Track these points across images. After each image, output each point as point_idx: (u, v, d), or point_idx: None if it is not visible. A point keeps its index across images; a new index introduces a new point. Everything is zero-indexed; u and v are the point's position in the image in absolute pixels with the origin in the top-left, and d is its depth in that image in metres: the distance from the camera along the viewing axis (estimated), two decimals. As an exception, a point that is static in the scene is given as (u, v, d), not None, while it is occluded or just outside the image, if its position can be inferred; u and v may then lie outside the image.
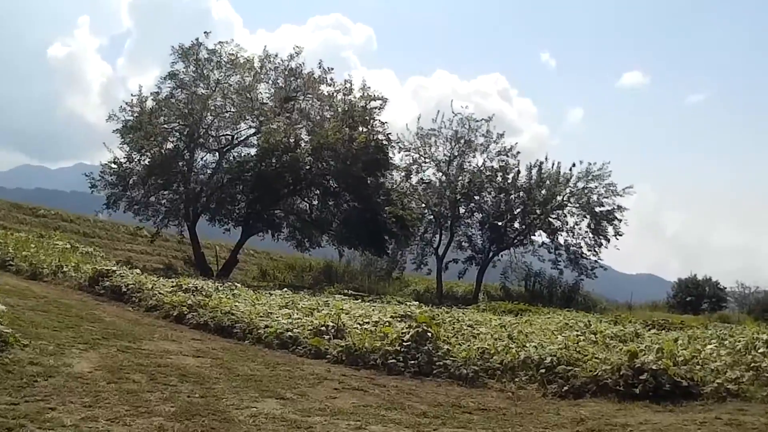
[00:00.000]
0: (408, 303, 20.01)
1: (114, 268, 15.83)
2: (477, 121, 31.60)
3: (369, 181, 27.89)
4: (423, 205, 32.02)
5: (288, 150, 26.75)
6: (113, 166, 28.40)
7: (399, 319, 12.31)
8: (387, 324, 10.51)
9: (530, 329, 12.59)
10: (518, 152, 31.72)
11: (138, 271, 16.89)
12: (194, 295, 13.19)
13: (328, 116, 28.27)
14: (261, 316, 11.22)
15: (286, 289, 18.60)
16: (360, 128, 27.72)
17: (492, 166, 31.68)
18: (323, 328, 10.09)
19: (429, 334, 9.21)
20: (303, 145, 27.65)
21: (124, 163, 28.45)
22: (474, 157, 31.92)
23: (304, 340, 9.80)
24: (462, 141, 31.66)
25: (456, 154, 31.80)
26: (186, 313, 11.84)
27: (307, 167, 27.48)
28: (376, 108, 28.07)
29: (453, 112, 31.61)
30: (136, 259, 31.29)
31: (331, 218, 28.85)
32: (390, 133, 28.45)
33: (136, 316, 12.05)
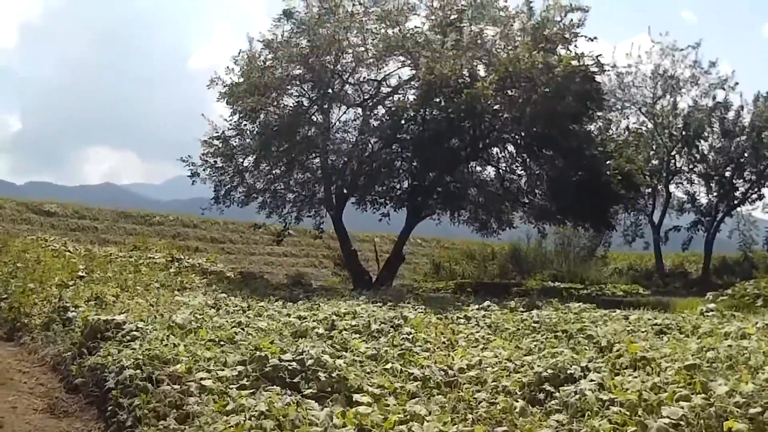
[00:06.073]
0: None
1: (119, 318, 7.28)
2: (682, 49, 24.26)
3: (573, 128, 19.69)
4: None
5: (462, 87, 18.62)
6: (215, 143, 20.59)
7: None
8: None
9: None
10: (736, 83, 24.12)
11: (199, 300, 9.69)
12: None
13: (510, 45, 20.20)
14: None
15: (488, 302, 11.55)
16: (558, 51, 19.69)
17: (706, 105, 23.99)
18: None
19: None
20: (481, 77, 19.48)
21: (231, 137, 20.66)
22: (682, 95, 24.38)
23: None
24: (666, 75, 24.06)
25: (661, 93, 24.17)
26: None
27: (494, 109, 19.32)
28: (575, 23, 20.00)
29: (652, 41, 24.46)
30: (279, 264, 25.69)
31: (532, 184, 20.75)
32: (600, 55, 20.09)
33: None
